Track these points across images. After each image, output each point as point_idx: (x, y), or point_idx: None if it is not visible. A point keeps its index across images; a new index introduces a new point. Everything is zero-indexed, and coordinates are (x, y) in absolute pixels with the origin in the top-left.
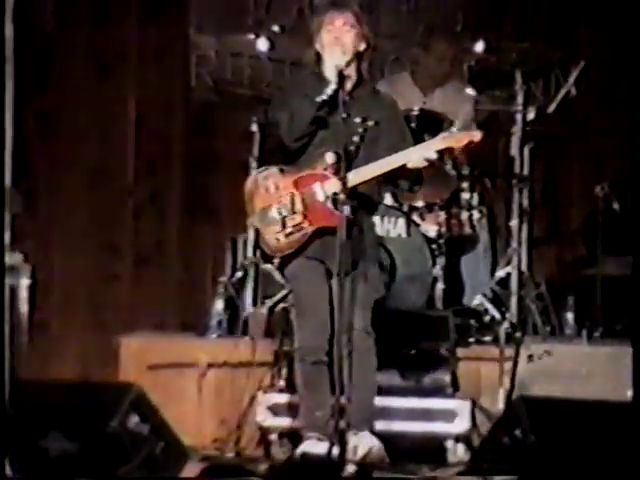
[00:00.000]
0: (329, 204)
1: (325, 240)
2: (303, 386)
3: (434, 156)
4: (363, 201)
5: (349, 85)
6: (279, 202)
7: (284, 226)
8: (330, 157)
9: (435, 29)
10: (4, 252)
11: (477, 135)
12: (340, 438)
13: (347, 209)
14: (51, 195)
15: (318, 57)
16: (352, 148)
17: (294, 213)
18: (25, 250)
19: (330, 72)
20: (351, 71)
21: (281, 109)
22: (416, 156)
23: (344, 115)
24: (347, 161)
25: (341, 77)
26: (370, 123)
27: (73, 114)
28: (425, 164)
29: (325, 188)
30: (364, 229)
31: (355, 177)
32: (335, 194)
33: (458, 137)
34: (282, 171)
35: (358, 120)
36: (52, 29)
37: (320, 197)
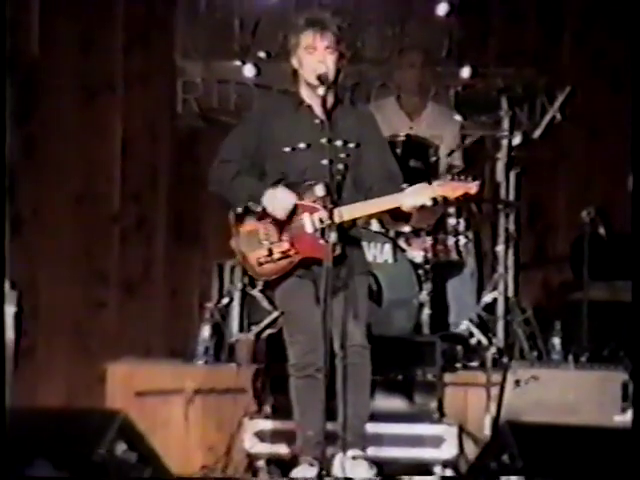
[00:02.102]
0: (317, 236)
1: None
2: (295, 403)
3: (429, 203)
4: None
5: (328, 106)
6: (266, 228)
7: (271, 253)
8: (320, 190)
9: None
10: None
11: (473, 188)
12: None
13: (333, 235)
14: (37, 221)
15: (294, 73)
16: (339, 177)
17: (281, 241)
18: (11, 277)
19: (315, 103)
20: (330, 92)
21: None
22: (409, 201)
23: (325, 141)
24: (335, 191)
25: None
26: (351, 145)
27: (59, 140)
28: (417, 208)
29: (314, 220)
30: (351, 247)
31: (345, 214)
32: (322, 222)
33: (454, 186)
34: None
35: (339, 144)
36: (38, 55)
37: (309, 229)
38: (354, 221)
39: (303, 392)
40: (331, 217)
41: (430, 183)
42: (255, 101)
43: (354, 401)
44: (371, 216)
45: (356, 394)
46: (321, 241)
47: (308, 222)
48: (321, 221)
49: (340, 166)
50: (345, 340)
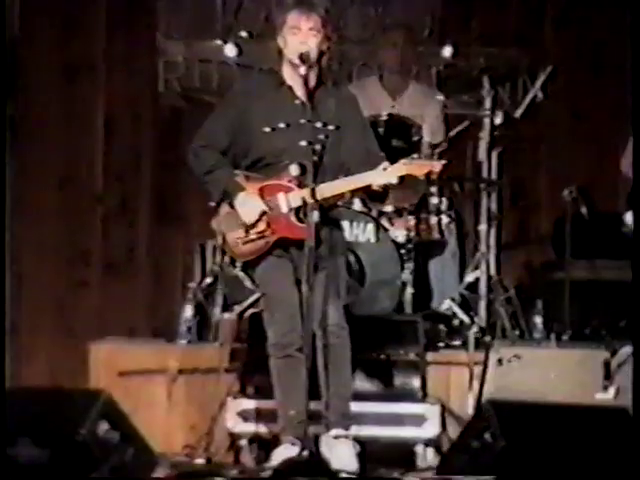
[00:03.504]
0: (292, 216)
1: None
2: (276, 383)
3: (395, 181)
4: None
5: (310, 87)
6: None
7: (247, 233)
8: (294, 169)
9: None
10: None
11: (437, 166)
12: (314, 444)
13: (315, 215)
14: (20, 202)
15: (280, 53)
16: (315, 158)
17: (258, 221)
18: None
19: (297, 83)
20: (313, 73)
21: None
22: (378, 180)
23: (305, 121)
24: (313, 172)
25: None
26: (331, 127)
27: (41, 120)
28: (387, 187)
29: (289, 199)
30: (330, 227)
31: (318, 192)
32: (304, 202)
33: (419, 165)
34: (248, 178)
35: (319, 125)
36: (19, 35)
37: (283, 208)
38: (335, 203)
39: (284, 372)
40: (313, 196)
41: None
42: (236, 81)
43: (335, 381)
44: (344, 195)
45: (336, 374)
46: (295, 220)
47: (283, 202)
48: (303, 200)
49: (317, 147)
50: (322, 320)
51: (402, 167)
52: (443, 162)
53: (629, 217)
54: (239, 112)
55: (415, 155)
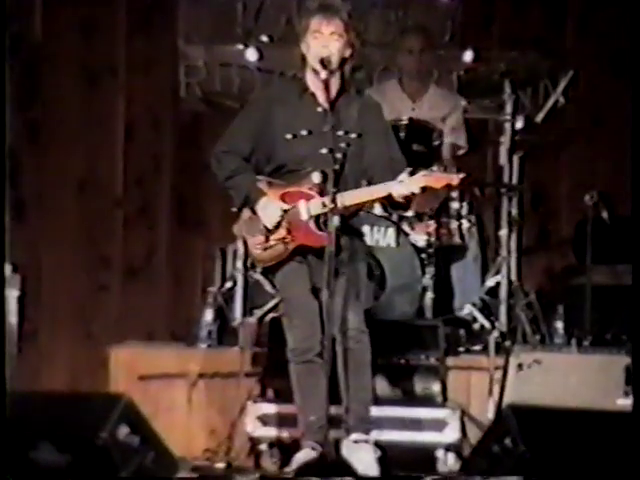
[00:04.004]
0: (311, 224)
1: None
2: (296, 389)
3: (417, 191)
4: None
5: (332, 94)
6: None
7: (267, 239)
8: (316, 177)
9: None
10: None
11: (455, 179)
12: (335, 448)
13: (336, 220)
14: (40, 206)
15: (303, 59)
16: (337, 166)
17: (278, 227)
18: (14, 261)
19: (320, 90)
20: (335, 79)
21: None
22: (399, 190)
23: (327, 129)
24: (334, 180)
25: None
26: (353, 135)
27: (62, 125)
28: (407, 197)
29: (309, 207)
30: (350, 235)
31: (339, 201)
32: (324, 206)
33: (437, 177)
34: (270, 184)
35: (341, 133)
36: (40, 40)
37: (304, 216)
38: (357, 211)
39: (303, 378)
40: (334, 201)
41: (414, 173)
42: (258, 85)
43: (355, 385)
44: (365, 204)
45: (356, 378)
46: (314, 228)
47: (304, 209)
48: (324, 205)
49: (339, 155)
50: (343, 325)
51: (421, 179)
52: (462, 175)
53: None
54: (262, 118)
55: (434, 167)
